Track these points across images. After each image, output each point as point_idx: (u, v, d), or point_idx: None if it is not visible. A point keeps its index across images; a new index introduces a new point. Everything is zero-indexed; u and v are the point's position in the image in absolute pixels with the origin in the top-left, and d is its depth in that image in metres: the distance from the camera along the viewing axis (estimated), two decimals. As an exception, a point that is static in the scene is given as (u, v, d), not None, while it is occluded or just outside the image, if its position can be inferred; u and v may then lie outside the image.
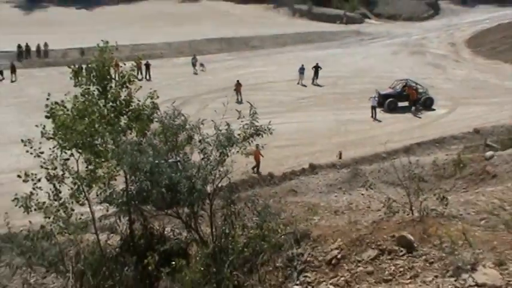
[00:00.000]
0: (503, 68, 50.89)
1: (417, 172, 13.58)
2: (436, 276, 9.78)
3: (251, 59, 55.04)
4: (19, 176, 14.39)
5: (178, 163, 17.48)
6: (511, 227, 12.45)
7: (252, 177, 24.28)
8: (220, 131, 14.03)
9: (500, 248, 9.94)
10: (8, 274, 16.95)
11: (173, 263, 11.39)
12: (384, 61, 53.87)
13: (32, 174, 14.37)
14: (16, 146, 14.76)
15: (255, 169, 26.90)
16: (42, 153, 14.29)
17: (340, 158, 28.04)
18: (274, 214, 14.15)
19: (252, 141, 14.11)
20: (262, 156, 26.30)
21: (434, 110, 37.60)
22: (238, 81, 40.12)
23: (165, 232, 16.13)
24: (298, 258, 12.53)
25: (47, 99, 14.66)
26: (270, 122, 14.30)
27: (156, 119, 15.05)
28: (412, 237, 11.13)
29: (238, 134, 14.01)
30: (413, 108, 37.13)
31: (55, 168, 14.31)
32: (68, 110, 14.58)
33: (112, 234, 17.44)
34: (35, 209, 14.34)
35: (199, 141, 14.25)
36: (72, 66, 15.97)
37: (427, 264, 10.36)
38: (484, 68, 50.99)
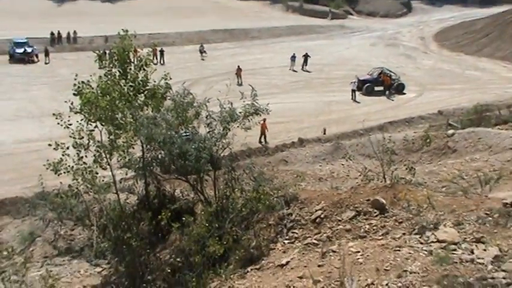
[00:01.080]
0: (465, 59, 50.61)
1: (389, 146, 13.47)
2: (404, 234, 9.78)
3: (250, 48, 54.58)
4: (50, 145, 14.37)
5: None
6: (468, 193, 12.48)
7: (250, 148, 24.17)
8: (224, 108, 13.96)
9: (459, 210, 9.93)
10: (42, 226, 17.03)
11: (183, 219, 11.38)
12: (363, 51, 53.46)
13: (62, 143, 14.36)
14: (49, 118, 14.63)
15: (263, 139, 26.80)
16: (70, 125, 14.25)
17: (324, 133, 27.98)
18: (268, 180, 14.12)
19: (251, 119, 14.03)
20: (267, 130, 26.40)
21: (405, 94, 37.43)
22: (239, 66, 39.80)
23: (175, 193, 16.13)
24: (287, 217, 12.53)
25: (75, 79, 14.54)
26: (268, 103, 14.21)
27: (169, 97, 14.96)
28: (384, 201, 11.11)
29: (240, 112, 13.94)
30: (387, 92, 36.97)
31: (81, 138, 14.28)
32: (93, 89, 14.48)
33: (130, 195, 17.46)
34: (64, 172, 14.35)
35: (206, 116, 14.17)
36: (97, 52, 15.83)
37: (397, 224, 10.37)
38: (448, 59, 50.68)
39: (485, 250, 8.27)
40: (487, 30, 56.76)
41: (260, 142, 26.70)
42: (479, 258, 8.04)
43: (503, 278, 7.35)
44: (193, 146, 13.51)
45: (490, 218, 9.34)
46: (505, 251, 8.12)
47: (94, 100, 14.07)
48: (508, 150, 19.04)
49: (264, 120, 26.30)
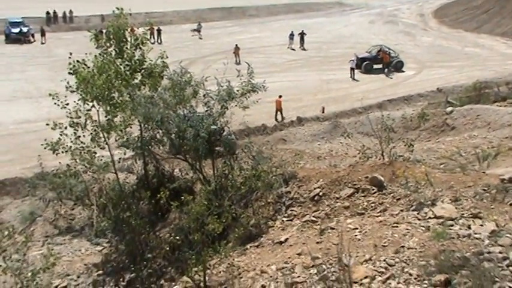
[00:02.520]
0: (464, 36, 50.31)
1: (388, 124, 13.48)
2: (402, 210, 9.84)
3: (248, 26, 54.20)
4: (47, 125, 14.40)
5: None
6: (465, 170, 12.53)
7: (248, 127, 24.15)
8: (222, 87, 13.91)
9: (456, 187, 9.98)
10: (42, 206, 17.09)
11: (182, 198, 11.44)
12: (362, 29, 53.12)
13: (60, 123, 14.36)
14: (47, 99, 14.63)
15: (279, 116, 26.85)
16: (67, 104, 14.24)
17: (323, 112, 27.90)
18: (267, 158, 14.16)
19: (248, 97, 13.99)
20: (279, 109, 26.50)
21: (404, 71, 37.24)
22: (236, 45, 39.51)
23: (174, 172, 16.18)
24: (286, 195, 12.59)
25: (69, 57, 14.48)
26: (264, 80, 14.17)
27: (166, 76, 14.89)
28: (382, 178, 11.16)
29: (237, 90, 13.90)
30: (386, 70, 36.83)
31: (79, 117, 14.29)
32: (88, 68, 14.43)
33: (129, 174, 17.52)
34: (62, 152, 14.40)
35: (204, 95, 14.13)
36: (92, 31, 15.71)
37: (395, 200, 10.43)
38: (447, 36, 50.37)
39: (482, 225, 8.34)
40: (487, 6, 56.38)
41: (276, 119, 26.77)
42: (476, 234, 8.11)
43: (500, 252, 7.43)
44: (190, 124, 13.51)
45: (488, 194, 9.40)
46: (502, 226, 8.18)
47: (90, 79, 14.02)
48: (507, 127, 19.06)
49: (280, 96, 26.58)
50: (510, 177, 9.75)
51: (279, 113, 26.88)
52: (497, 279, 6.73)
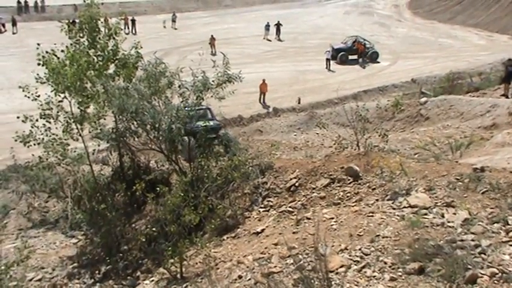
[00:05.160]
0: (438, 27, 50.85)
1: (363, 115, 13.56)
2: (377, 200, 9.92)
3: (224, 17, 53.85)
4: (18, 117, 14.15)
5: (208, 110, 17.40)
6: (439, 159, 12.71)
7: (224, 118, 24.05)
8: (197, 77, 13.81)
9: (430, 176, 10.10)
10: (16, 199, 16.82)
11: (157, 189, 11.35)
12: (337, 20, 53.26)
13: (31, 116, 14.13)
14: (19, 90, 14.35)
15: (262, 99, 28.22)
16: (38, 96, 13.99)
17: (299, 103, 27.97)
18: (243, 149, 14.14)
19: (224, 88, 13.91)
20: (267, 90, 28.01)
21: (379, 62, 37.51)
22: (212, 35, 39.25)
23: (150, 164, 16.05)
24: (262, 186, 12.60)
25: (37, 48, 14.19)
26: (240, 71, 14.12)
27: (141, 67, 14.72)
28: (358, 168, 11.23)
29: (213, 81, 13.82)
30: (360, 59, 37.08)
31: (50, 109, 14.06)
32: (59, 58, 14.17)
33: (104, 166, 17.33)
34: (33, 144, 14.17)
35: (179, 86, 14.01)
36: (64, 21, 15.42)
37: (370, 190, 10.50)
38: (421, 27, 50.86)
39: (455, 214, 8.46)
40: (460, -2, 57.04)
41: (260, 101, 28.24)
42: (449, 222, 8.22)
43: (472, 240, 7.55)
44: (165, 115, 13.40)
45: (461, 183, 9.53)
46: (474, 214, 8.32)
47: (61, 69, 13.78)
48: (479, 117, 19.37)
49: (263, 80, 26.85)
50: (482, 167, 9.92)
51: (262, 95, 28.07)
52: (469, 266, 6.84)
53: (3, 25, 43.88)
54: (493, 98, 22.05)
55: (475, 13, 52.36)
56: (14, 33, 43.45)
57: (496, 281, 6.60)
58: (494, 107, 19.40)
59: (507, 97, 22.57)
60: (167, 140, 13.67)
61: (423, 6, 58.96)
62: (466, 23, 50.94)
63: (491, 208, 8.46)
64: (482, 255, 7.15)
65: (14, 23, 43.79)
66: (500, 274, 6.68)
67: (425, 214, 8.68)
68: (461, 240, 7.58)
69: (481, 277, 6.66)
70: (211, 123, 17.33)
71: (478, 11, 52.42)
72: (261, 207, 12.00)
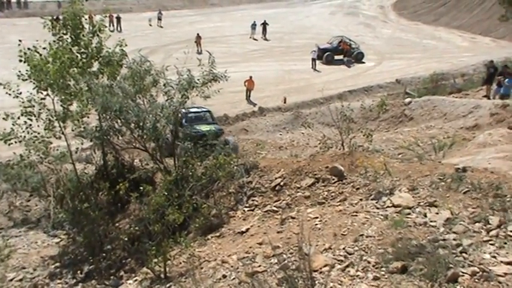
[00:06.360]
0: (422, 28, 51.33)
1: (348, 115, 13.62)
2: (361, 199, 9.95)
3: (210, 15, 53.76)
4: (-1, 115, 14.00)
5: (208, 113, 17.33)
6: (422, 159, 12.80)
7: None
8: (182, 76, 13.75)
9: (414, 176, 10.17)
10: (-4, 198, 16.58)
11: (141, 188, 11.28)
12: (323, 20, 53.48)
13: (11, 113, 13.92)
14: (0, 87, 14.15)
15: (248, 95, 28.47)
16: (20, 93, 13.81)
17: (284, 102, 28.03)
18: (228, 148, 14.11)
19: (210, 87, 13.89)
20: (252, 87, 28.31)
21: (364, 63, 37.77)
22: (198, 34, 39.12)
23: (134, 163, 15.93)
24: (247, 185, 12.58)
25: (18, 45, 14.00)
26: (226, 70, 14.09)
27: (125, 65, 14.61)
28: (342, 168, 11.26)
29: (198, 80, 13.77)
30: (345, 59, 37.27)
31: (33, 107, 13.88)
32: (41, 55, 14.01)
33: (88, 165, 17.14)
34: (15, 142, 13.98)
35: (164, 85, 13.93)
36: (47, 17, 15.24)
37: (354, 190, 10.54)
38: (406, 28, 51.30)
39: (437, 213, 8.52)
40: (444, 0, 57.60)
41: (246, 98, 28.57)
42: (431, 221, 8.29)
43: (454, 239, 7.62)
44: (149, 114, 13.33)
45: (443, 183, 9.61)
46: (456, 214, 8.39)
47: (43, 66, 13.62)
48: (461, 118, 19.57)
49: (250, 77, 26.98)
50: (464, 167, 10.02)
51: (249, 92, 28.27)
52: (451, 265, 6.89)
53: (-15, 21, 43.37)
54: (475, 99, 22.32)
55: (458, 15, 52.95)
56: (-4, 30, 42.91)
57: (476, 280, 6.66)
58: (476, 108, 19.63)
59: (489, 98, 22.88)
60: (151, 138, 13.59)
61: (408, 8, 59.47)
62: (450, 24, 51.48)
63: (473, 208, 8.54)
64: (464, 254, 7.22)
65: (-4, 19, 43.32)
66: (481, 273, 6.75)
67: (409, 214, 8.73)
68: (443, 240, 7.64)
69: (462, 276, 6.72)
70: (213, 127, 17.29)
71: (462, 13, 53.02)
72: (246, 207, 11.98)
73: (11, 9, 49.21)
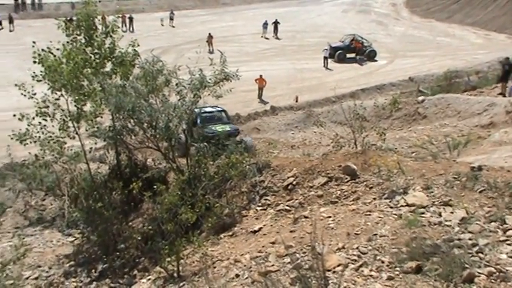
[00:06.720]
0: (436, 25, 50.88)
1: (361, 113, 13.55)
2: (375, 199, 9.90)
3: (222, 15, 53.80)
4: (15, 115, 14.08)
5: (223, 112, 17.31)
6: (436, 158, 12.69)
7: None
8: (194, 75, 13.76)
9: (428, 175, 10.08)
10: (12, 197, 16.78)
11: (154, 187, 11.31)
12: (335, 18, 53.27)
13: (27, 114, 14.04)
14: (15, 88, 14.29)
15: (260, 94, 28.55)
16: (35, 94, 13.93)
17: (296, 101, 27.97)
18: (241, 147, 14.09)
19: (221, 86, 13.88)
20: (264, 85, 28.30)
21: (376, 61, 37.56)
22: (210, 34, 39.19)
23: (147, 162, 15.99)
24: (260, 185, 12.56)
25: (33, 46, 14.11)
26: (237, 69, 14.07)
27: (138, 65, 14.66)
28: (355, 167, 11.20)
29: (210, 79, 13.76)
30: (358, 57, 37.11)
31: (47, 107, 13.99)
32: (55, 56, 14.10)
33: (102, 164, 17.25)
34: (30, 142, 14.11)
35: (176, 84, 13.95)
36: (61, 18, 15.36)
37: (367, 189, 10.48)
38: (419, 26, 50.88)
39: (452, 213, 8.44)
40: (458, -3, 57.09)
41: (258, 97, 28.63)
42: (446, 221, 8.20)
43: (469, 239, 7.53)
44: (162, 114, 13.36)
45: (458, 182, 9.51)
46: (472, 213, 8.30)
47: (57, 67, 13.72)
48: (476, 116, 19.39)
49: (260, 76, 26.94)
50: (480, 165, 9.90)
51: (260, 91, 28.29)
52: (467, 265, 6.82)
53: (0, 22, 43.76)
54: (490, 97, 22.09)
55: (472, 12, 52.40)
56: (10, 31, 43.37)
57: (493, 280, 6.58)
58: (491, 105, 19.42)
59: (504, 96, 22.61)
60: (164, 138, 13.62)
61: (421, 5, 58.98)
62: (464, 21, 50.98)
63: (489, 207, 8.44)
64: (480, 254, 7.13)
65: (10, 21, 43.70)
66: (497, 273, 6.66)
67: (423, 213, 8.66)
68: (459, 239, 7.56)
69: (479, 276, 6.64)
70: (228, 127, 17.30)
71: (476, 9, 52.46)
72: (259, 206, 11.96)
73: (26, 10, 49.69)
